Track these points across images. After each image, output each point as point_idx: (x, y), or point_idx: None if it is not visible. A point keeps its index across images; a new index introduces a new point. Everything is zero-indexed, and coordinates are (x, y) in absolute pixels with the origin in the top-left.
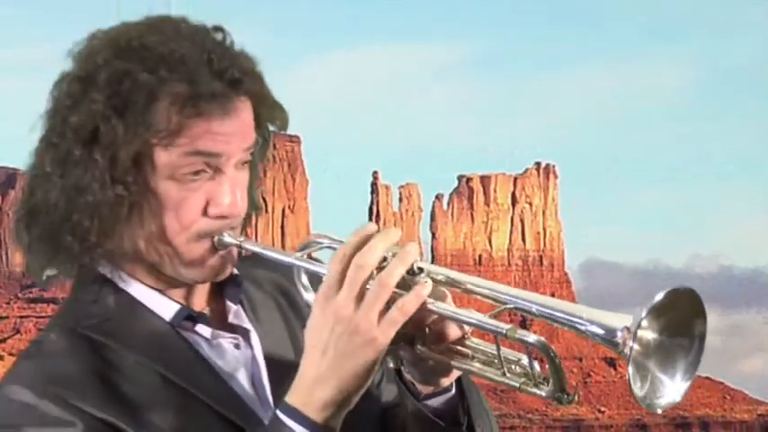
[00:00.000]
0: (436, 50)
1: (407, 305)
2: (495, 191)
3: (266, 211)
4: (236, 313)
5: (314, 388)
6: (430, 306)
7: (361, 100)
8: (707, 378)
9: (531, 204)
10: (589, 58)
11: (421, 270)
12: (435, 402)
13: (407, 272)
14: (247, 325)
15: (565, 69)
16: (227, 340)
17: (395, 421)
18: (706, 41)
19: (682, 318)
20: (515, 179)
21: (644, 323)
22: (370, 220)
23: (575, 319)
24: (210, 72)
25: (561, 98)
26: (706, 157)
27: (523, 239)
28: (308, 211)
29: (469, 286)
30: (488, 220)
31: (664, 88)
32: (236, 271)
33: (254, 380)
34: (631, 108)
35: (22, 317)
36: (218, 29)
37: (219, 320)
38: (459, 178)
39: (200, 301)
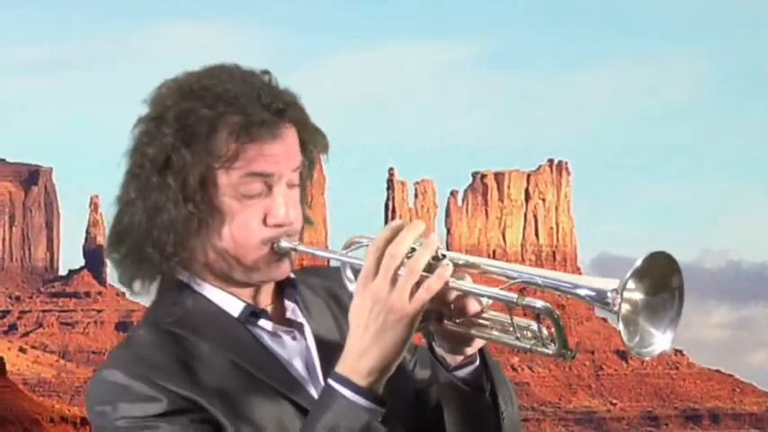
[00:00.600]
0: (452, 49)
1: (433, 285)
2: (508, 187)
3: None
4: (292, 310)
5: (359, 359)
6: (452, 284)
7: (377, 98)
8: (717, 371)
9: (544, 200)
10: (601, 57)
11: (444, 256)
12: (463, 373)
13: (432, 258)
14: (302, 320)
15: (577, 69)
16: (285, 333)
17: (428, 397)
18: (717, 42)
19: (661, 276)
20: (529, 176)
21: (629, 285)
22: (386, 215)
23: (574, 288)
24: (259, 105)
25: (574, 97)
26: (716, 154)
27: (537, 235)
28: (325, 207)
29: (484, 267)
30: (502, 215)
31: (674, 87)
32: (292, 275)
33: (308, 366)
34: (642, 107)
35: (44, 311)
36: (265, 72)
37: (279, 316)
38: (474, 175)
39: (263, 300)
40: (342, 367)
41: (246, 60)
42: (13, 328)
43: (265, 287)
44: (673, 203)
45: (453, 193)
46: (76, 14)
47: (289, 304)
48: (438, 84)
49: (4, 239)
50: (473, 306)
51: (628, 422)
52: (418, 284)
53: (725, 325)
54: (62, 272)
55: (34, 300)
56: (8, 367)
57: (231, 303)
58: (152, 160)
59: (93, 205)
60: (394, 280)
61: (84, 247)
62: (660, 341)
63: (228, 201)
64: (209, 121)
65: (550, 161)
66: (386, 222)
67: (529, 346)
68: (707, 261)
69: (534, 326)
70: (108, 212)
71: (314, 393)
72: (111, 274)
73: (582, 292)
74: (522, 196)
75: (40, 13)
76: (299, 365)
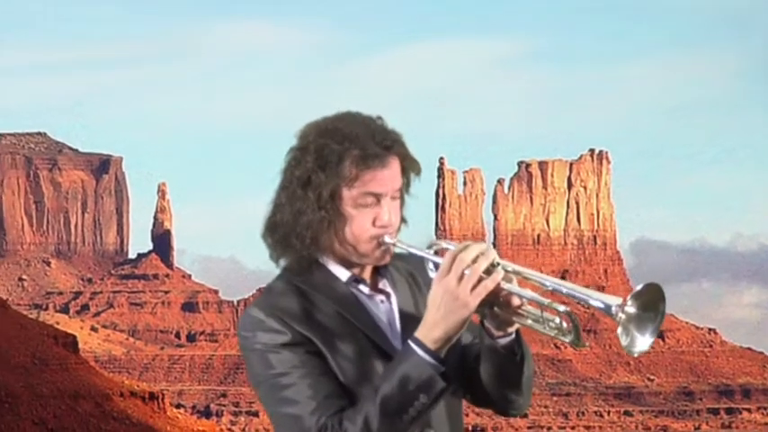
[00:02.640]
0: (499, 46)
1: (488, 284)
2: (552, 175)
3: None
4: (383, 283)
5: (431, 330)
6: (502, 285)
7: (428, 91)
8: (748, 349)
9: (585, 188)
10: (639, 52)
11: (498, 264)
12: (502, 341)
13: (489, 265)
14: (389, 290)
15: (616, 63)
16: (377, 297)
17: (470, 351)
18: (748, 37)
19: (651, 300)
20: (571, 165)
21: (628, 302)
22: (437, 201)
23: (587, 297)
24: (374, 142)
25: (613, 90)
26: (747, 144)
27: (578, 220)
28: None
29: (525, 274)
30: (546, 202)
31: (708, 80)
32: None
33: (391, 323)
34: (677, 99)
35: (114, 292)
36: (379, 117)
37: (373, 286)
38: (520, 164)
39: (364, 274)
40: (418, 333)
41: (303, 55)
42: (85, 308)
43: (367, 267)
44: (707, 190)
45: (500, 181)
46: (146, 13)
47: (381, 279)
48: (486, 78)
49: (76, 225)
50: (515, 301)
51: (664, 396)
52: (479, 283)
53: (756, 305)
54: (131, 255)
55: (105, 282)
56: (80, 345)
57: (342, 273)
58: (298, 178)
59: (161, 192)
60: (461, 278)
61: (152, 231)
62: (642, 343)
63: (349, 209)
64: (338, 153)
65: (591, 151)
66: (436, 207)
67: (552, 335)
68: (739, 244)
69: (558, 320)
70: (175, 200)
71: (391, 340)
72: (177, 257)
73: (593, 302)
74: (565, 184)
75: (114, 12)
76: (384, 321)
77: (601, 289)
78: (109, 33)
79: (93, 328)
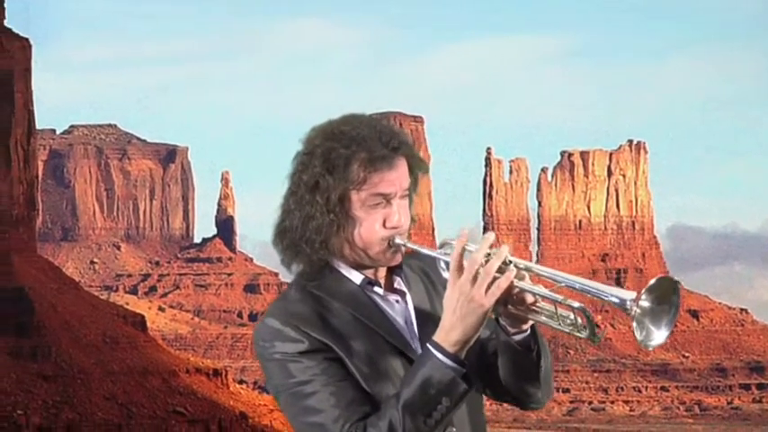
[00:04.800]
0: (544, 42)
1: (502, 283)
2: (593, 164)
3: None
4: (398, 282)
5: (448, 333)
6: (515, 283)
7: (477, 85)
8: None
9: (624, 176)
10: (675, 48)
11: (510, 262)
12: (517, 337)
13: (501, 263)
14: (404, 289)
15: (653, 59)
16: (392, 297)
17: (488, 346)
18: None
19: (665, 293)
20: (611, 154)
21: (642, 296)
22: (484, 189)
23: (602, 293)
24: (380, 143)
25: (651, 83)
26: None
27: (618, 207)
28: (429, 182)
29: (537, 271)
30: (587, 190)
31: (740, 75)
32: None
33: (407, 323)
34: (712, 92)
35: (180, 274)
36: (385, 117)
37: (388, 286)
38: (562, 153)
39: (378, 275)
40: (436, 337)
41: (359, 52)
42: (153, 289)
43: (380, 269)
44: (739, 178)
45: (544, 170)
46: (212, 12)
47: (395, 278)
48: (531, 73)
49: (145, 211)
50: (529, 298)
51: (698, 373)
52: (493, 282)
53: None
54: (196, 240)
55: (172, 264)
56: (148, 324)
57: (355, 275)
58: (306, 183)
59: (224, 180)
60: (474, 279)
61: (216, 217)
62: (658, 337)
63: (358, 211)
64: (345, 157)
65: (630, 141)
66: (484, 195)
67: (567, 331)
68: None
69: (572, 317)
70: (238, 187)
71: (409, 341)
72: (240, 241)
73: (607, 297)
74: (605, 173)
75: (181, 11)
76: (400, 321)
77: (639, 271)
78: (176, 31)
79: (161, 309)
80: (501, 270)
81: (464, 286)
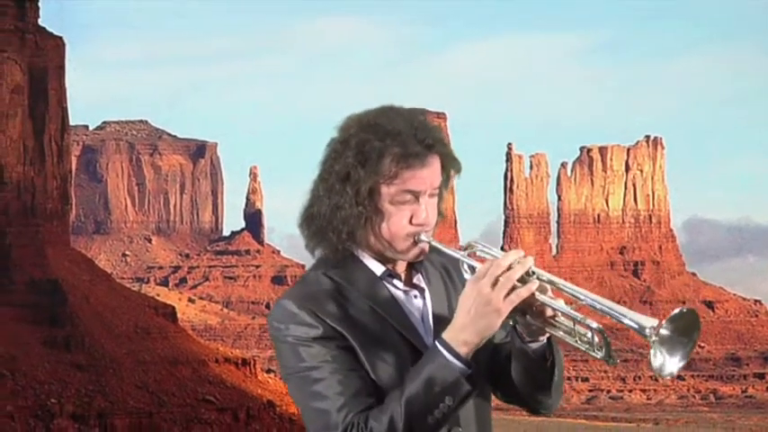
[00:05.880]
0: (564, 41)
1: (521, 293)
2: (611, 160)
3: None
4: (418, 278)
5: (459, 332)
6: (537, 296)
7: (499, 82)
8: None
9: (641, 171)
10: (691, 46)
11: (534, 273)
12: (533, 345)
13: (525, 273)
14: (423, 285)
15: (670, 56)
16: (411, 292)
17: (501, 351)
18: None
19: (686, 326)
20: (628, 150)
21: (664, 324)
22: (505, 183)
23: (621, 316)
24: (415, 140)
25: (668, 81)
26: None
27: (635, 201)
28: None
29: (559, 285)
30: (605, 184)
31: (753, 72)
32: None
33: (423, 318)
34: (726, 88)
35: (210, 266)
36: (422, 112)
37: (408, 281)
38: (581, 149)
39: (399, 269)
40: (446, 335)
41: (384, 50)
42: (183, 281)
43: (401, 262)
44: (753, 173)
45: (563, 165)
46: (241, 11)
47: (415, 273)
48: (551, 71)
49: (175, 205)
50: (549, 312)
51: (714, 362)
52: (513, 290)
53: None
54: (225, 233)
55: (201, 257)
56: (179, 315)
57: (376, 266)
58: (337, 172)
59: (253, 175)
60: (495, 283)
61: (244, 211)
62: (670, 365)
63: (387, 205)
64: (379, 150)
65: (647, 137)
66: (505, 189)
67: (584, 349)
68: None
69: (590, 335)
70: (266, 182)
71: (423, 337)
72: (267, 234)
73: (627, 322)
74: (623, 167)
75: (211, 10)
76: (417, 316)
77: (656, 264)
78: (206, 30)
79: (191, 300)
80: (523, 280)
81: (484, 288)
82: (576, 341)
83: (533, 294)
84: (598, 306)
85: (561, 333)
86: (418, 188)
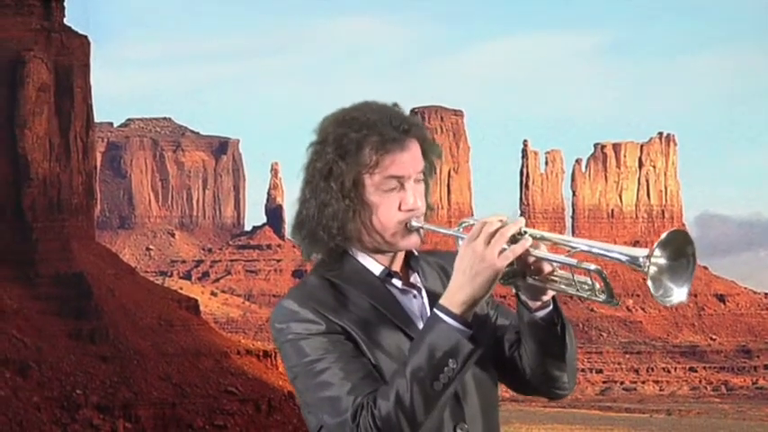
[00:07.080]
0: (579, 39)
1: (516, 249)
2: (625, 156)
3: (435, 172)
4: (414, 277)
5: (456, 293)
6: (531, 251)
7: (515, 80)
8: None
9: (654, 167)
10: (702, 45)
11: (525, 232)
12: (541, 314)
13: (516, 233)
14: (420, 285)
15: (682, 55)
16: (409, 291)
17: (505, 340)
18: None
19: (679, 246)
20: (642, 146)
21: (656, 252)
22: (521, 179)
23: (614, 254)
24: (391, 126)
25: (680, 78)
26: None
27: (648, 196)
28: (469, 172)
29: (553, 239)
30: (619, 180)
31: (762, 70)
32: (416, 253)
33: (422, 317)
34: (737, 86)
35: (232, 260)
36: (395, 104)
37: (405, 280)
38: (596, 145)
39: (395, 267)
40: (443, 299)
41: (402, 48)
42: (205, 275)
43: (398, 258)
44: (764, 169)
45: (578, 161)
46: (262, 10)
47: (412, 273)
48: (566, 68)
49: (198, 200)
50: (546, 267)
51: (725, 354)
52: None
53: None
54: (247, 228)
55: (223, 251)
56: (201, 308)
57: (374, 265)
58: (320, 171)
59: (274, 171)
60: (488, 241)
61: (266, 206)
62: (678, 293)
63: (373, 196)
64: (357, 141)
65: (660, 134)
66: (521, 185)
67: (586, 296)
68: None
69: (589, 281)
70: (287, 178)
71: None
72: (288, 229)
73: (621, 257)
74: (636, 164)
75: (232, 9)
76: (417, 315)
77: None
78: (228, 28)
79: (213, 293)
80: (516, 240)
81: (477, 246)
82: (578, 290)
83: (528, 251)
84: (589, 248)
85: (563, 286)
86: (401, 173)
